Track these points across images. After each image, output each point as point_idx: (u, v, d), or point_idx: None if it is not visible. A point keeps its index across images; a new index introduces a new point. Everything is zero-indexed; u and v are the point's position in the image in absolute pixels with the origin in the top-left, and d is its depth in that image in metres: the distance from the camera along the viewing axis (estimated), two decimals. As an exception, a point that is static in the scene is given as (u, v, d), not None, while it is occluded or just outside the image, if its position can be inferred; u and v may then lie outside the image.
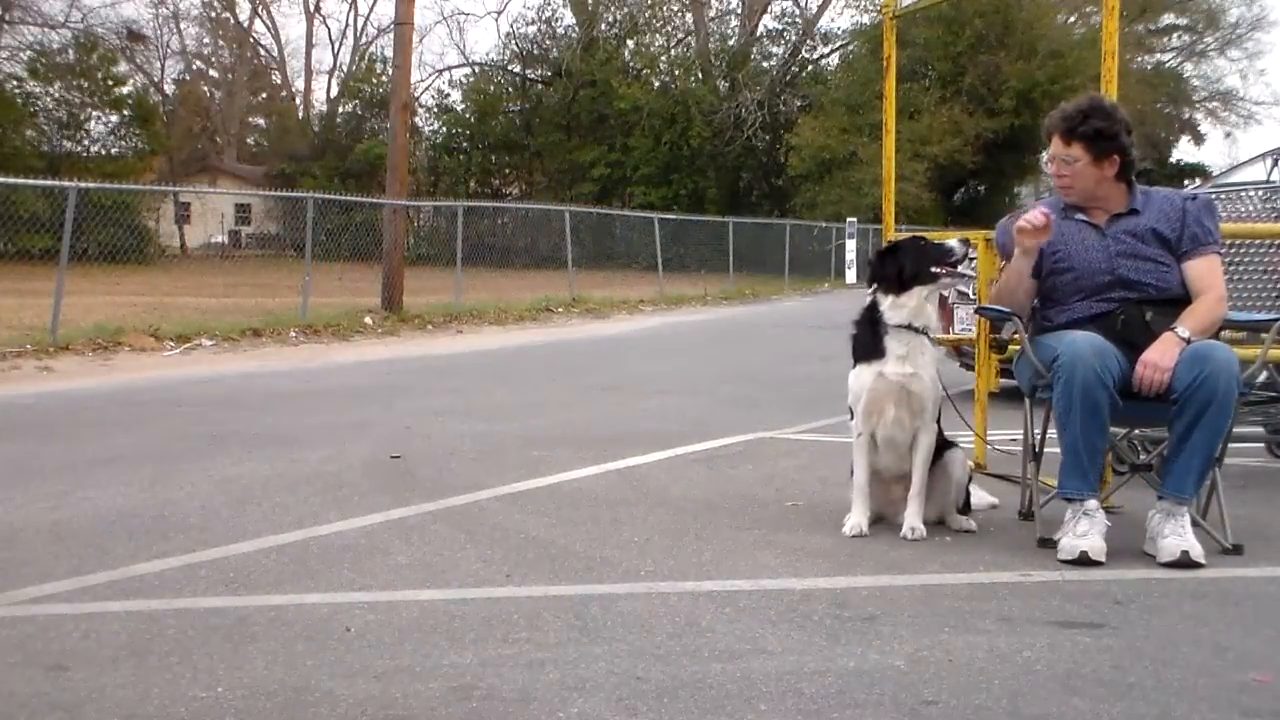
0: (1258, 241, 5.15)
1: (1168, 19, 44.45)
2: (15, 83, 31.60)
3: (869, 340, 3.97)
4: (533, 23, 45.07)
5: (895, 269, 3.94)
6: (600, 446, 5.72)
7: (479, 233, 24.88)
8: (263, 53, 52.94)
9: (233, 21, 49.71)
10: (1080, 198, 3.92)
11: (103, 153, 33.28)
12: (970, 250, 3.97)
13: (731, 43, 42.88)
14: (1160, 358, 3.55)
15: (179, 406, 7.39)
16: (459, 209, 18.84)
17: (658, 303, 20.24)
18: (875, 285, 4.01)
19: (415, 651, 2.75)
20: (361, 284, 16.48)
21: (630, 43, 42.87)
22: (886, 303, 3.93)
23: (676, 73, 42.27)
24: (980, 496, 4.30)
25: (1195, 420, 3.49)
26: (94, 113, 33.12)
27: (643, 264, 25.55)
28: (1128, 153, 3.86)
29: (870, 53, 35.03)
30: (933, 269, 3.91)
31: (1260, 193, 6.28)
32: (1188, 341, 3.57)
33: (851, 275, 27.33)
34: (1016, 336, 3.96)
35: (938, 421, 3.98)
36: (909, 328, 3.90)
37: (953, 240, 4.00)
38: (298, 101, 52.10)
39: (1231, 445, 3.90)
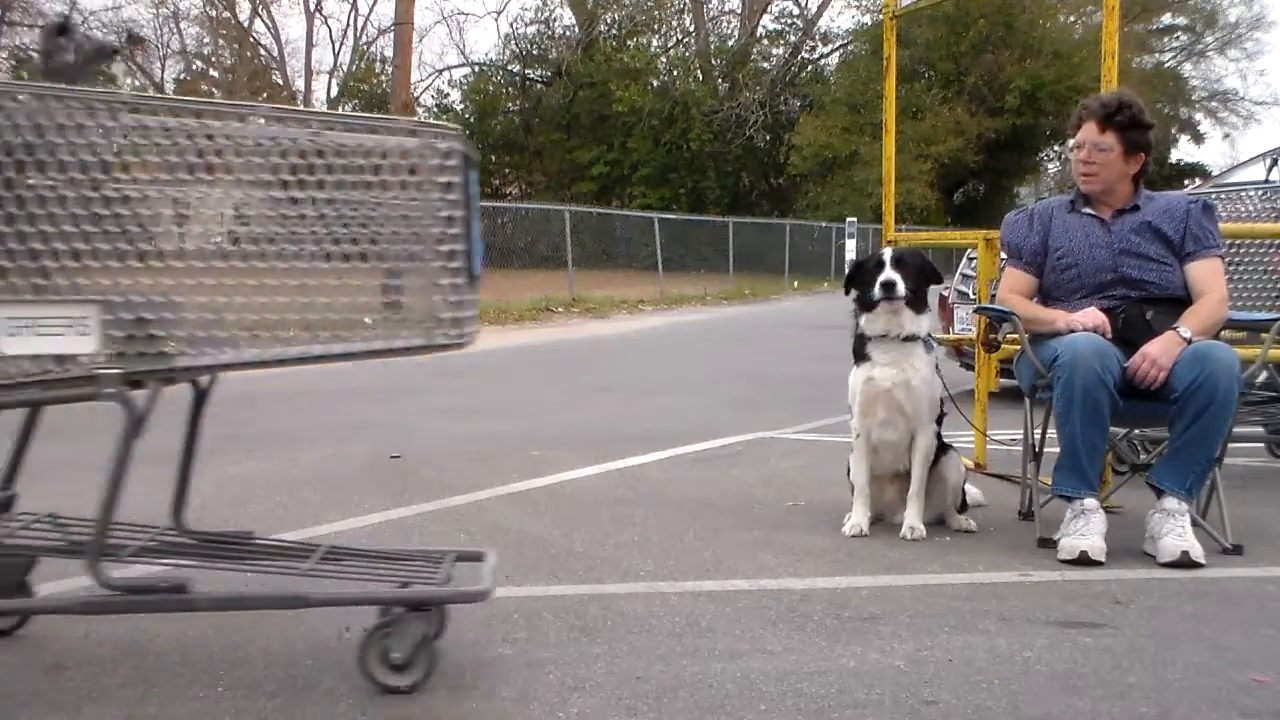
0: (1258, 241, 5.15)
1: (1167, 19, 44.41)
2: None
3: (858, 343, 4.02)
4: (532, 23, 45.08)
5: (853, 288, 4.00)
6: (600, 446, 5.72)
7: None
8: (263, 53, 52.95)
9: (233, 21, 49.70)
10: (1101, 186, 3.90)
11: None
12: (894, 292, 3.83)
13: (731, 43, 42.87)
14: (1160, 355, 3.55)
15: (179, 406, 7.37)
16: (459, 209, 18.78)
17: (658, 303, 20.24)
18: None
19: (415, 651, 2.75)
20: (362, 284, 16.44)
21: (630, 43, 42.84)
22: (862, 318, 3.98)
23: (676, 73, 42.24)
24: (972, 494, 4.29)
25: (1195, 420, 3.50)
26: None
27: (643, 264, 25.54)
28: (1150, 153, 3.90)
29: (871, 52, 35.01)
30: (873, 296, 3.89)
31: (1260, 192, 6.27)
32: (1189, 342, 3.58)
33: (851, 275, 27.30)
34: (1015, 336, 3.97)
35: (938, 422, 3.99)
36: (886, 337, 3.91)
37: (883, 275, 3.85)
38: (298, 101, 52.08)
39: (1231, 445, 3.91)
